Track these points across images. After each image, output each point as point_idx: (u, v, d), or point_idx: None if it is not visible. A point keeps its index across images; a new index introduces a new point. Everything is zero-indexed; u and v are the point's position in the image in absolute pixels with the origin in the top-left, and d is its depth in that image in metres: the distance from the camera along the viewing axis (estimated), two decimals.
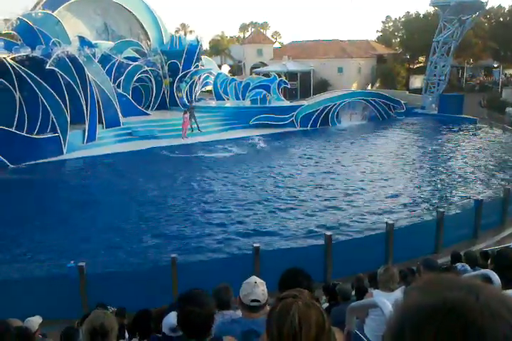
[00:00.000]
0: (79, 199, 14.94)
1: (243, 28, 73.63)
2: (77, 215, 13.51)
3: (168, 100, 28.96)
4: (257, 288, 3.14)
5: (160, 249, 11.10)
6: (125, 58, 27.04)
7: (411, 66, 51.01)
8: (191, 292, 2.65)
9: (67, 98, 20.55)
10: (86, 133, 21.79)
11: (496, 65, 46.94)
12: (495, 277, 3.49)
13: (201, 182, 17.29)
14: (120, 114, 23.81)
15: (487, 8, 35.77)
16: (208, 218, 13.35)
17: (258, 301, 3.05)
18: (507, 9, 45.17)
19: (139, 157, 20.93)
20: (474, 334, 0.69)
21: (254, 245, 9.28)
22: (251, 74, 42.71)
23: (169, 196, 15.39)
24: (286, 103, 31.12)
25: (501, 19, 45.92)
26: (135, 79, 27.05)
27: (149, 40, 31.68)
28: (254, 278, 3.25)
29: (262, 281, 3.28)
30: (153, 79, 28.06)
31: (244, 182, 17.07)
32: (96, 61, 23.88)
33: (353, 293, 6.10)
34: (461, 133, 28.46)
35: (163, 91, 28.82)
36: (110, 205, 14.70)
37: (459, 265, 6.17)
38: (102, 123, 22.93)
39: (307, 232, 12.11)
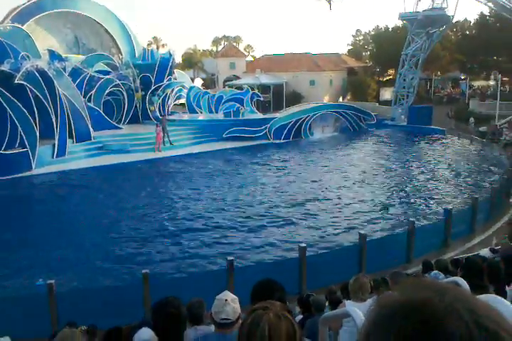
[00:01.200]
0: (47, 216, 14.59)
1: (216, 41, 74.04)
2: (46, 231, 13.16)
3: (140, 114, 28.80)
4: (227, 306, 3.11)
5: (131, 264, 10.91)
6: (96, 72, 26.85)
7: (381, 79, 52.15)
8: (166, 298, 2.81)
9: (36, 112, 20.20)
10: (56, 148, 21.42)
11: (462, 77, 48.35)
12: (464, 284, 3.55)
13: (174, 196, 17.14)
14: (91, 128, 23.52)
15: (453, 21, 36.95)
16: (182, 232, 13.20)
17: (229, 319, 3.03)
18: (472, 22, 46.72)
19: (110, 171, 20.59)
20: (433, 331, 0.74)
21: (228, 258, 9.22)
22: (224, 87, 42.93)
23: (142, 210, 15.19)
24: (260, 115, 31.32)
25: (467, 32, 47.45)
26: (106, 92, 26.84)
27: (121, 54, 31.56)
28: (225, 295, 3.21)
29: (234, 297, 3.25)
30: (125, 93, 27.89)
31: (217, 196, 16.99)
32: (66, 75, 23.62)
33: (327, 304, 6.10)
34: (429, 143, 29.11)
35: (136, 105, 28.67)
36: (80, 221, 14.40)
37: (432, 273, 6.25)
38: (73, 137, 22.59)
39: (282, 245, 12.11)
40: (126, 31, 32.46)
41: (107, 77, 26.96)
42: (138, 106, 28.70)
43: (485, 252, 7.34)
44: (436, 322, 0.75)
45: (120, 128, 26.19)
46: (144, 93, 28.69)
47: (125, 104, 28.04)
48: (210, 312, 3.18)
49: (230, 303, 3.10)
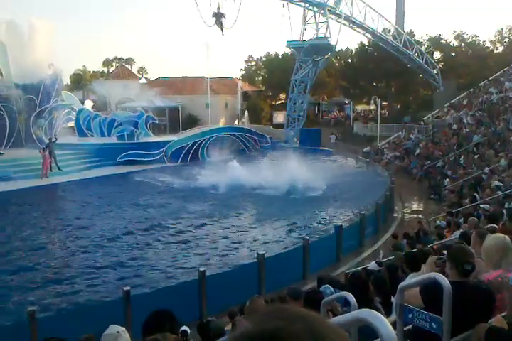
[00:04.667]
0: None
1: (107, 63, 72.13)
2: None
3: (23, 137, 26.78)
4: (120, 338, 2.95)
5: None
6: None
7: (273, 102, 54.21)
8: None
9: None
10: None
11: (347, 102, 51.94)
12: (351, 298, 3.70)
13: (64, 226, 16.07)
14: None
15: (336, 50, 39.73)
16: (72, 263, 12.37)
17: None
18: (354, 51, 50.60)
19: None
20: None
21: (124, 288, 8.77)
22: (117, 109, 41.71)
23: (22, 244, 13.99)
24: (155, 138, 30.81)
25: (349, 60, 51.26)
26: None
27: (1, 74, 29.43)
28: (114, 328, 3.04)
29: (123, 328, 3.09)
30: (6, 116, 25.86)
31: (102, 224, 16.22)
32: None
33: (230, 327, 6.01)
34: (320, 163, 30.60)
35: (18, 129, 26.64)
36: None
37: (322, 287, 6.45)
38: None
39: (180, 270, 11.83)
40: (6, 51, 30.39)
41: None
42: (21, 129, 26.71)
43: (372, 266, 7.75)
44: None
45: (1, 153, 24.13)
46: (27, 116, 26.82)
47: (7, 127, 25.97)
48: None
49: (122, 334, 2.94)
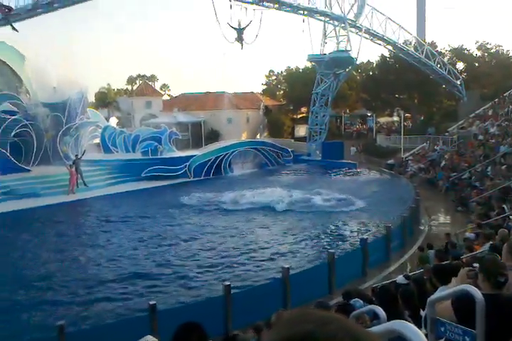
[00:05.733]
0: None
1: (130, 80, 73.59)
2: None
3: (51, 155, 27.40)
4: None
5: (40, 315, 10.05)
6: (2, 112, 25.48)
7: (295, 116, 54.31)
8: None
9: None
10: None
11: (369, 114, 51.69)
12: (380, 311, 3.63)
13: (92, 242, 16.27)
14: None
15: (357, 63, 39.74)
16: (100, 277, 12.48)
17: None
18: (375, 64, 50.48)
19: (19, 218, 19.13)
20: None
21: (150, 303, 8.79)
22: (141, 126, 42.41)
23: (58, 260, 14.18)
24: (178, 154, 31.13)
25: (370, 73, 51.13)
26: (13, 134, 25.42)
27: (29, 93, 30.32)
28: (148, 338, 3.07)
29: (155, 339, 3.12)
30: (33, 134, 26.53)
31: (135, 238, 16.37)
32: None
33: None
34: (343, 176, 30.45)
35: (46, 146, 27.28)
36: None
37: (351, 300, 6.36)
38: None
39: (204, 285, 11.81)
40: (35, 70, 31.34)
41: (14, 117, 25.65)
42: (48, 147, 27.35)
43: (400, 279, 7.61)
44: None
45: (29, 170, 24.70)
46: (54, 133, 27.47)
47: (34, 145, 26.64)
48: None
49: None
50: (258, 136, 47.93)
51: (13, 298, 11.02)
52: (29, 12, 24.94)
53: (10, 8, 19.87)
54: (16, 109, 26.81)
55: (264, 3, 29.21)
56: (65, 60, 26.74)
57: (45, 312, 10.30)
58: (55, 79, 27.35)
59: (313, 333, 0.77)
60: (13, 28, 20.18)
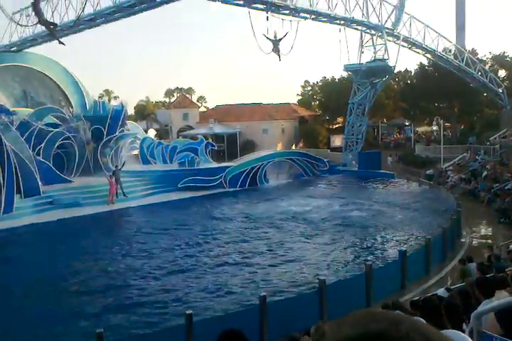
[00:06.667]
0: None
1: (168, 93, 75.12)
2: None
3: (92, 166, 28.21)
4: None
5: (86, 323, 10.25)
6: (45, 125, 26.48)
7: (330, 126, 54.00)
8: None
9: None
10: (2, 205, 20.47)
11: (407, 123, 50.80)
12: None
13: (133, 252, 16.55)
14: (40, 183, 22.71)
15: (395, 71, 39.24)
16: (136, 287, 12.66)
17: None
18: (413, 72, 49.73)
19: (61, 227, 19.68)
20: None
21: (187, 312, 8.82)
22: (178, 137, 43.14)
23: (97, 273, 14.44)
24: (214, 164, 31.43)
25: (409, 81, 50.35)
26: (56, 145, 26.31)
27: (71, 106, 31.40)
28: None
29: None
30: (75, 146, 27.40)
31: (181, 246, 16.56)
32: (14, 128, 23.09)
33: None
34: (381, 187, 29.93)
35: (87, 157, 28.11)
36: (33, 285, 13.28)
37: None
38: (21, 192, 21.67)
39: (240, 295, 11.79)
40: (77, 84, 32.53)
41: (57, 130, 26.57)
42: (90, 158, 28.18)
43: (441, 292, 7.37)
44: None
45: (71, 181, 25.47)
46: (95, 145, 28.30)
47: (76, 156, 27.49)
48: None
49: None
50: (293, 147, 47.87)
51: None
52: (72, 28, 25.84)
53: (55, 25, 20.77)
54: (59, 121, 27.79)
55: (301, 14, 29.28)
56: (106, 73, 27.56)
57: (86, 320, 10.50)
58: (96, 91, 28.24)
59: (386, 332, 0.76)
60: (60, 42, 21.06)
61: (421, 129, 52.98)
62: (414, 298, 9.92)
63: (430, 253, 13.10)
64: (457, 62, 37.81)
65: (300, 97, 64.23)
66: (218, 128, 46.85)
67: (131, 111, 59.92)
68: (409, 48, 37.33)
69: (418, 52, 38.30)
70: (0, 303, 11.58)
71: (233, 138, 46.67)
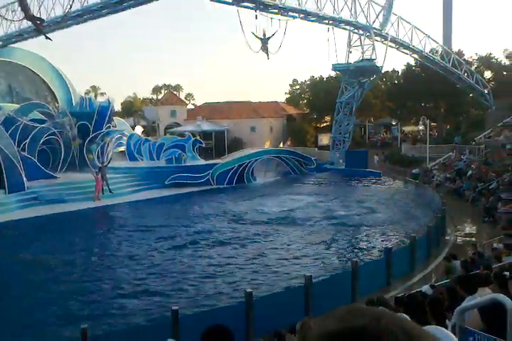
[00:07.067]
0: None
1: (156, 90, 74.62)
2: None
3: (78, 162, 27.95)
4: None
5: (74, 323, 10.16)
6: (31, 120, 26.17)
7: (318, 125, 54.17)
8: None
9: None
10: None
11: (394, 123, 51.16)
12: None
13: (116, 246, 16.44)
14: (25, 178, 22.44)
15: (382, 71, 39.45)
16: (120, 282, 12.58)
17: None
18: (400, 72, 50.06)
19: (45, 223, 19.45)
20: None
21: (173, 308, 8.79)
22: (165, 134, 42.93)
23: (80, 267, 14.34)
24: (202, 162, 31.35)
25: (396, 81, 50.68)
26: (42, 141, 26.02)
27: (57, 102, 31.08)
28: None
29: None
30: (61, 142, 27.12)
31: (162, 244, 16.48)
32: None
33: None
34: (367, 185, 30.14)
35: (73, 153, 27.85)
36: (12, 279, 13.23)
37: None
38: (4, 188, 21.41)
39: (226, 291, 11.79)
40: (63, 80, 32.22)
41: (42, 125, 26.27)
42: (76, 154, 27.91)
43: (426, 289, 7.44)
44: None
45: (56, 177, 25.19)
46: (81, 141, 28.03)
47: (61, 152, 27.21)
48: None
49: None
50: (281, 145, 47.96)
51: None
52: (59, 24, 25.55)
53: (41, 20, 20.54)
54: (44, 117, 27.49)
55: (290, 13, 29.29)
56: (92, 69, 27.35)
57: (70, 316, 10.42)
58: (82, 87, 28.00)
59: (368, 326, 0.79)
60: (47, 38, 20.84)
61: (407, 129, 53.42)
62: (399, 294, 10.02)
63: (415, 250, 13.23)
64: (444, 63, 38.17)
65: (288, 96, 64.33)
66: (206, 126, 46.74)
67: (118, 107, 59.59)
68: (397, 49, 37.59)
69: (405, 53, 38.59)
70: None
71: (221, 136, 46.60)
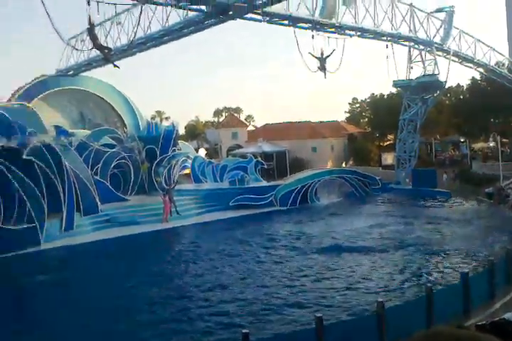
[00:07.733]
0: (55, 298, 13.51)
1: (217, 113, 76.52)
2: (55, 317, 11.92)
3: (146, 185, 29.07)
4: None
5: None
6: (102, 145, 27.54)
7: (381, 143, 53.12)
8: None
9: (43, 187, 20.34)
10: (63, 222, 21.32)
11: (462, 140, 49.22)
12: None
13: (184, 270, 16.75)
14: (98, 201, 23.54)
15: (446, 87, 38.32)
16: (191, 311, 12.76)
17: None
18: (465, 87, 48.36)
19: (119, 245, 20.17)
20: None
21: (243, 331, 8.79)
22: (227, 156, 43.70)
23: (158, 291, 14.56)
24: (265, 183, 31.54)
25: (461, 96, 48.96)
26: (113, 165, 27.29)
27: (126, 127, 32.59)
28: None
29: None
30: (131, 165, 28.34)
31: (233, 268, 16.56)
32: (73, 149, 24.15)
33: None
34: (437, 206, 28.94)
35: (142, 177, 29.02)
36: (92, 304, 13.05)
37: None
38: (80, 210, 22.54)
39: (295, 315, 11.64)
40: (130, 106, 33.83)
41: (113, 150, 27.61)
42: (144, 177, 29.07)
43: (509, 316, 7.00)
44: None
45: (127, 199, 26.29)
46: (149, 164, 29.18)
47: (131, 176, 28.41)
48: None
49: None
50: (343, 165, 47.37)
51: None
52: (125, 52, 26.92)
53: (109, 49, 21.71)
54: (114, 142, 28.89)
55: (346, 31, 29.25)
56: (154, 94, 28.52)
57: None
58: (148, 113, 29.28)
59: None
60: (115, 66, 22.01)
61: (477, 146, 51.19)
62: (479, 322, 9.45)
63: (494, 275, 12.48)
64: (511, 75, 36.53)
65: (348, 115, 63.81)
66: (267, 147, 47.11)
67: (182, 131, 61.49)
68: (460, 63, 36.44)
69: (469, 67, 37.32)
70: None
71: (282, 157, 46.75)
